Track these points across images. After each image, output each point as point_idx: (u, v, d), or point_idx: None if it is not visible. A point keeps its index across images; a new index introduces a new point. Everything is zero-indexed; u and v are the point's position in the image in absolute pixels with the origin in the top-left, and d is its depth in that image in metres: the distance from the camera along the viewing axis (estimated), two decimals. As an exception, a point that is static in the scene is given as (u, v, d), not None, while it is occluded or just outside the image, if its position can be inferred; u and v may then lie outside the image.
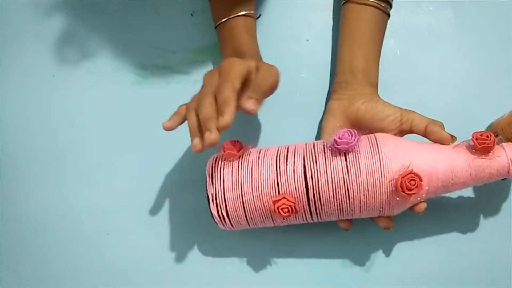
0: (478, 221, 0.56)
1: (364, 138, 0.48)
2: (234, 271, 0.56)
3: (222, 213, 0.49)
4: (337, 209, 0.48)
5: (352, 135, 0.46)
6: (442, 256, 0.55)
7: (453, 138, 0.50)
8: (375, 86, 0.55)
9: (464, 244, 0.56)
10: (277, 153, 0.49)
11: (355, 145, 0.47)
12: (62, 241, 0.58)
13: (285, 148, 0.50)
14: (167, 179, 0.59)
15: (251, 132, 0.60)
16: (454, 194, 0.56)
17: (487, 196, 0.56)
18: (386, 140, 0.48)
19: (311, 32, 0.63)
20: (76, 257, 0.58)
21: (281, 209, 0.46)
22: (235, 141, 0.50)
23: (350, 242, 0.56)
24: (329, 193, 0.47)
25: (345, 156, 0.47)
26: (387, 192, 0.46)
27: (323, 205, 0.48)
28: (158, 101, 0.61)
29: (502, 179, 0.56)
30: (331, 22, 0.64)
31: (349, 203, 0.47)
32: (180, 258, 0.57)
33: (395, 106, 0.52)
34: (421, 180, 0.45)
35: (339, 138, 0.46)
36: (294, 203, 0.47)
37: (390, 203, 0.47)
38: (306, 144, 0.50)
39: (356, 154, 0.47)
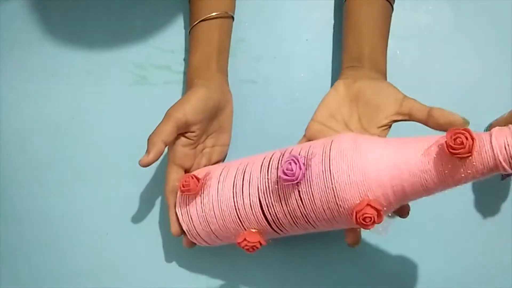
0: (478, 221, 0.56)
1: (317, 160, 0.43)
2: (235, 271, 0.56)
3: (200, 242, 0.50)
4: (304, 231, 0.47)
5: (296, 165, 0.42)
6: (442, 256, 0.55)
7: (465, 122, 0.43)
8: (383, 73, 0.54)
9: (464, 244, 0.55)
10: (234, 183, 0.47)
11: (302, 176, 0.42)
12: (61, 241, 0.58)
13: (242, 172, 0.47)
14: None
15: (251, 132, 0.60)
16: (454, 194, 0.56)
17: (487, 196, 0.56)
18: (340, 159, 0.42)
19: (310, 32, 0.63)
20: (76, 257, 0.58)
21: (246, 249, 0.46)
22: (191, 176, 0.48)
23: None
24: (290, 223, 0.45)
25: (298, 186, 0.43)
26: (348, 220, 0.42)
27: (289, 230, 0.47)
28: (157, 101, 0.61)
29: (501, 180, 0.56)
30: (331, 22, 0.64)
31: (314, 227, 0.46)
32: (180, 258, 0.57)
33: (398, 90, 0.50)
34: (379, 212, 0.40)
35: (284, 173, 0.42)
36: (259, 241, 0.46)
37: (353, 225, 0.44)
38: (261, 166, 0.46)
39: (308, 183, 0.42)
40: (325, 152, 0.43)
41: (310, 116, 0.59)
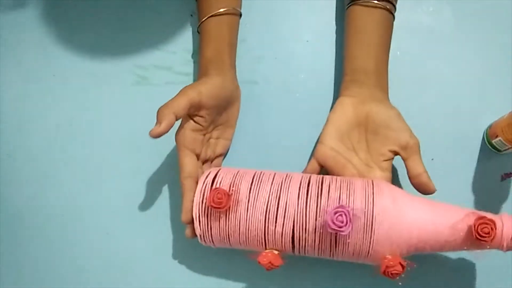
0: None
1: (360, 213, 0.45)
2: (237, 271, 0.56)
3: (209, 244, 0.51)
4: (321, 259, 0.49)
5: (346, 218, 0.43)
6: (442, 256, 0.55)
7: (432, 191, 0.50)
8: (386, 91, 0.55)
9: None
10: (267, 206, 0.47)
11: (347, 231, 0.44)
12: (62, 241, 0.58)
13: (276, 197, 0.47)
14: (167, 179, 0.59)
15: (251, 132, 0.60)
16: (454, 195, 0.56)
17: (487, 196, 0.56)
18: (383, 215, 0.45)
19: (311, 33, 0.63)
20: (76, 256, 0.58)
21: (267, 268, 0.47)
22: (223, 192, 0.47)
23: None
24: (314, 254, 0.48)
25: (336, 234, 0.45)
26: (371, 263, 0.47)
27: (309, 256, 0.49)
28: (158, 102, 0.61)
29: (501, 180, 0.57)
30: (332, 23, 0.64)
31: (334, 259, 0.48)
32: (180, 258, 0.57)
33: (406, 124, 0.51)
34: (403, 269, 0.44)
35: (333, 222, 0.43)
36: (279, 263, 0.47)
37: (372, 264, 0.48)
38: (298, 197, 0.47)
39: (348, 234, 0.45)
40: (368, 206, 0.45)
41: (310, 117, 0.59)
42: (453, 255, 0.55)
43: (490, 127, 0.57)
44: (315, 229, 0.46)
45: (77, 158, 0.60)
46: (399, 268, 0.44)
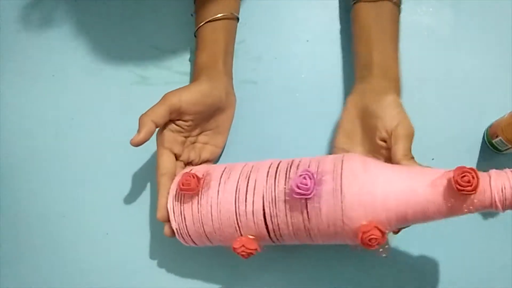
0: (478, 221, 0.56)
1: (328, 178, 0.43)
2: (235, 272, 0.56)
3: (188, 242, 0.50)
4: (300, 243, 0.47)
5: (310, 181, 0.42)
6: (441, 256, 0.55)
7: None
8: (394, 80, 0.54)
9: (463, 244, 0.55)
10: (237, 188, 0.47)
11: (313, 193, 0.43)
12: (62, 241, 0.58)
13: (246, 178, 0.47)
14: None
15: (251, 132, 0.60)
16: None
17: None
18: (352, 179, 0.43)
19: (311, 33, 0.63)
20: (76, 256, 0.58)
21: (241, 254, 0.46)
22: (191, 175, 0.47)
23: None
24: (290, 235, 0.46)
25: (306, 202, 0.44)
26: (350, 238, 0.44)
27: (286, 241, 0.47)
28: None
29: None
30: (332, 23, 0.64)
31: (312, 241, 0.46)
32: (180, 258, 0.57)
33: (399, 111, 0.49)
34: (383, 234, 0.41)
35: (297, 187, 0.42)
36: (255, 248, 0.46)
37: (352, 243, 0.45)
38: (267, 175, 0.47)
39: (317, 198, 0.43)
40: (336, 171, 0.44)
41: (310, 116, 0.59)
42: (452, 251, 0.55)
43: (490, 126, 0.57)
44: (285, 200, 0.44)
45: (77, 158, 0.60)
46: (376, 232, 0.41)
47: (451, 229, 0.56)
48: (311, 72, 0.62)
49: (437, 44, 0.62)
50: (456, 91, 0.60)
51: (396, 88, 0.54)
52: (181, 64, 0.63)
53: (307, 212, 0.44)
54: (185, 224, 0.48)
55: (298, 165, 0.46)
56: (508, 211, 0.41)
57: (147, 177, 0.59)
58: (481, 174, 0.41)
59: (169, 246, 0.57)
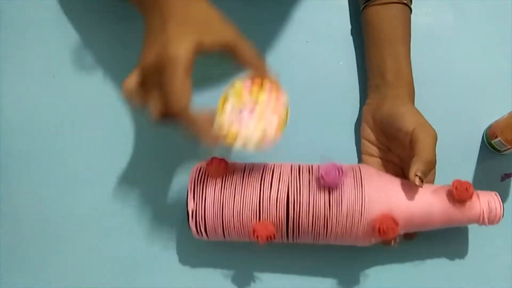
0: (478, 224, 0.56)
1: (350, 173, 0.49)
2: (237, 269, 0.56)
3: (200, 229, 0.50)
4: (313, 238, 0.49)
5: (338, 172, 0.47)
6: (441, 257, 0.55)
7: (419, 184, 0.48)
8: (407, 83, 0.54)
9: (464, 244, 0.56)
10: (262, 175, 0.49)
11: (340, 183, 0.47)
12: (62, 241, 0.58)
13: (270, 170, 0.50)
14: (168, 179, 0.59)
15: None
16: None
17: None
18: (371, 179, 0.48)
19: (311, 34, 0.64)
20: (76, 257, 0.58)
21: (260, 236, 0.46)
22: (220, 159, 0.49)
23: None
24: (308, 224, 0.48)
25: (329, 192, 0.47)
26: (364, 230, 0.47)
27: (301, 233, 0.49)
28: (159, 102, 0.61)
29: (501, 181, 0.57)
30: (332, 24, 0.64)
31: (326, 235, 0.48)
32: (181, 259, 0.57)
33: (415, 117, 0.50)
34: (397, 226, 0.46)
35: (325, 174, 0.47)
36: (274, 233, 0.47)
37: (364, 240, 0.48)
38: (291, 169, 0.50)
39: (340, 191, 0.47)
40: (355, 170, 0.49)
41: (310, 117, 0.60)
42: (452, 251, 0.55)
43: (489, 127, 0.58)
44: (309, 189, 0.47)
45: (77, 158, 0.60)
46: (392, 223, 0.45)
47: (451, 229, 0.56)
48: (310, 73, 0.62)
49: (437, 45, 0.62)
50: (456, 91, 0.60)
51: (410, 93, 0.54)
52: (182, 64, 0.63)
53: (329, 201, 0.47)
54: (204, 206, 0.48)
55: (319, 164, 0.49)
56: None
57: (147, 177, 0.59)
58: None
59: (169, 246, 0.57)
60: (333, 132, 0.60)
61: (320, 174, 0.47)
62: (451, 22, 0.63)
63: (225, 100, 0.45)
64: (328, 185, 0.47)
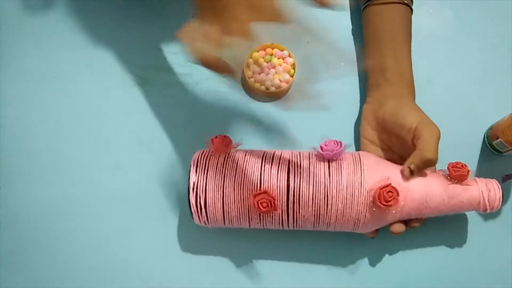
0: (479, 222, 0.56)
1: (349, 153, 0.50)
2: (236, 271, 0.56)
3: (200, 203, 0.49)
4: (314, 215, 0.48)
5: (337, 144, 0.48)
6: (442, 257, 0.55)
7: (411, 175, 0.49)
8: (409, 83, 0.55)
9: (464, 245, 0.55)
10: (264, 153, 0.50)
11: (339, 154, 0.48)
12: (62, 241, 0.58)
13: (271, 152, 0.51)
14: (168, 179, 0.59)
15: (250, 133, 0.60)
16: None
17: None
18: (369, 157, 0.50)
19: (311, 34, 0.63)
20: (77, 257, 0.58)
21: (261, 203, 0.46)
22: (224, 136, 0.51)
23: (342, 246, 0.56)
24: (308, 196, 0.47)
25: (329, 163, 0.48)
26: (365, 203, 0.47)
27: (301, 208, 0.48)
28: (159, 102, 0.62)
29: (502, 182, 0.57)
30: (332, 23, 0.63)
31: (327, 209, 0.47)
32: (181, 258, 0.57)
33: (418, 115, 0.51)
34: (398, 194, 0.46)
35: (325, 145, 0.48)
36: (274, 199, 0.47)
37: (366, 215, 0.47)
38: (292, 151, 0.51)
39: (339, 163, 0.48)
40: (354, 153, 0.51)
41: (310, 118, 0.60)
42: (452, 251, 0.55)
43: (490, 128, 0.57)
44: (309, 162, 0.49)
45: (77, 158, 0.60)
46: (393, 189, 0.46)
47: (452, 229, 0.56)
48: (311, 73, 0.62)
49: (438, 46, 0.62)
50: (457, 92, 0.60)
51: (411, 91, 0.54)
52: (182, 65, 0.63)
53: (329, 172, 0.48)
54: (205, 177, 0.49)
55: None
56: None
57: (148, 177, 0.59)
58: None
59: (170, 246, 0.57)
60: (333, 132, 0.59)
61: (319, 146, 0.49)
62: (452, 23, 0.62)
63: (247, 65, 0.60)
64: (327, 155, 0.48)
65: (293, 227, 0.50)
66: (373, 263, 0.56)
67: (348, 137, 0.60)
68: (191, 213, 0.50)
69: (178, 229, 0.58)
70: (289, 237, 0.55)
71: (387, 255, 0.56)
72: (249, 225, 0.50)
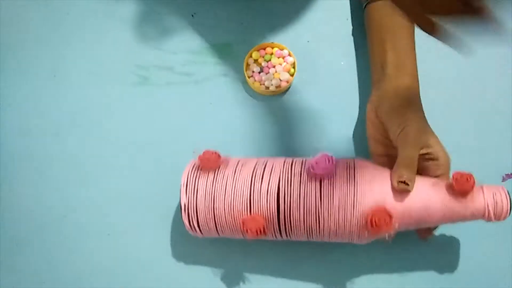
0: (479, 222, 0.56)
1: (343, 165, 0.47)
2: (237, 270, 0.56)
3: (193, 223, 0.49)
4: (306, 233, 0.48)
5: (329, 161, 0.45)
6: (442, 257, 0.55)
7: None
8: (410, 76, 0.54)
9: (464, 245, 0.55)
10: (254, 169, 0.49)
11: (331, 171, 0.46)
12: (62, 242, 0.58)
13: (263, 163, 0.49)
14: (168, 179, 0.59)
15: (250, 133, 0.60)
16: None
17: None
18: (364, 171, 0.47)
19: (311, 34, 0.64)
20: (77, 257, 0.58)
21: (250, 229, 0.46)
22: (213, 152, 0.49)
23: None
24: (299, 218, 0.46)
25: (320, 182, 0.46)
26: (357, 224, 0.46)
27: (293, 227, 0.47)
28: (159, 102, 0.61)
29: (503, 181, 0.57)
30: (332, 23, 0.64)
31: (319, 229, 0.47)
32: (181, 258, 0.57)
33: (401, 122, 0.50)
34: (391, 218, 0.44)
35: (316, 163, 0.45)
36: (264, 226, 0.46)
37: (359, 235, 0.47)
38: (284, 162, 0.49)
39: (332, 181, 0.46)
40: (349, 163, 0.48)
41: (311, 118, 0.60)
42: (452, 252, 0.55)
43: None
44: (300, 180, 0.46)
45: (77, 158, 0.60)
46: (385, 215, 0.44)
47: (451, 229, 0.56)
48: (311, 73, 0.62)
49: (438, 44, 0.61)
50: (457, 92, 0.60)
51: (411, 85, 0.53)
52: (182, 64, 0.63)
53: (320, 193, 0.46)
54: (196, 198, 0.48)
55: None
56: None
57: (148, 177, 0.59)
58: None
59: (170, 246, 0.57)
60: (333, 132, 0.59)
61: (310, 164, 0.46)
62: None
63: (247, 64, 0.61)
64: (318, 174, 0.45)
65: (287, 239, 0.50)
66: (367, 268, 0.55)
67: (348, 138, 0.60)
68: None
69: (172, 234, 0.58)
70: (284, 246, 0.55)
71: (385, 255, 0.56)
72: (244, 238, 0.50)
